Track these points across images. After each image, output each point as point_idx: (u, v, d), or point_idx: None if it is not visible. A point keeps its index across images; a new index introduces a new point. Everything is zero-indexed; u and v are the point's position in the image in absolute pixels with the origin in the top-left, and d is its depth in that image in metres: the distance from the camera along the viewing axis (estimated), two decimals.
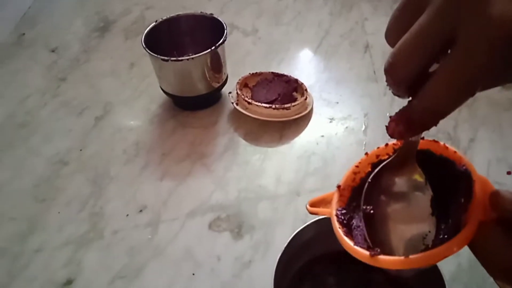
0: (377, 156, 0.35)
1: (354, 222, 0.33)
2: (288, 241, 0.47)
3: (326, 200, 0.35)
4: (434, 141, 0.31)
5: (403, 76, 0.24)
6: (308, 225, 0.49)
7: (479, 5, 0.21)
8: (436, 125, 0.25)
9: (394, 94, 0.26)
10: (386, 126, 0.27)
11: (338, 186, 0.35)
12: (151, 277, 0.55)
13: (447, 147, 0.30)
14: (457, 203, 0.28)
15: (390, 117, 0.27)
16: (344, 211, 0.34)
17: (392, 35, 0.26)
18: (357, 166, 0.35)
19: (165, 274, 0.56)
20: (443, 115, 0.24)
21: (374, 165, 0.34)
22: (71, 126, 0.76)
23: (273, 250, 0.57)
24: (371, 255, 0.28)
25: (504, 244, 0.24)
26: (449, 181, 0.30)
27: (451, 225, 0.28)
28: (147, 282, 0.55)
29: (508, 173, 0.64)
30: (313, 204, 0.36)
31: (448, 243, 0.26)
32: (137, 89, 0.83)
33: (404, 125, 0.26)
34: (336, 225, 0.32)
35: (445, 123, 0.72)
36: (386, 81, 0.26)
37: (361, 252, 0.29)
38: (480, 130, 0.71)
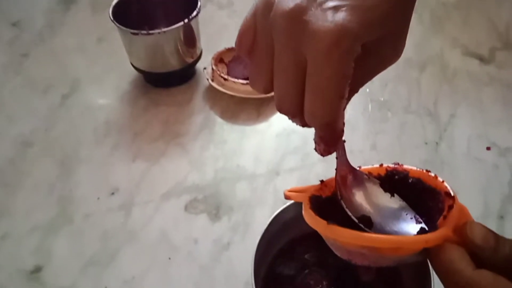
0: (369, 172, 0.35)
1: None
2: (268, 222, 0.46)
3: (306, 190, 0.34)
4: (427, 171, 0.33)
5: (291, 109, 0.27)
6: (288, 206, 0.48)
7: (307, 26, 0.24)
8: (340, 134, 0.29)
9: (301, 126, 0.29)
10: (314, 149, 0.30)
11: (321, 181, 0.34)
12: (126, 263, 0.53)
13: (436, 177, 0.32)
14: (433, 218, 0.30)
15: (314, 140, 0.30)
16: (319, 200, 0.33)
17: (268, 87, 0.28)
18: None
19: (140, 259, 0.53)
20: (332, 123, 0.27)
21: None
22: (36, 105, 0.72)
23: (253, 231, 0.55)
24: (327, 224, 0.28)
25: (464, 264, 0.25)
26: (433, 206, 0.31)
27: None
28: (121, 268, 0.52)
29: (488, 148, 0.64)
30: (292, 191, 0.35)
31: (408, 237, 0.28)
32: (106, 65, 0.78)
33: (323, 143, 0.29)
34: (307, 204, 0.32)
35: (425, 99, 0.71)
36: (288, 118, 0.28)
37: (319, 221, 0.29)
38: (461, 106, 0.70)
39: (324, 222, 0.28)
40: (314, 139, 0.30)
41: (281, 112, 0.28)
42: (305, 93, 0.26)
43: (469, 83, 0.74)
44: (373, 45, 0.26)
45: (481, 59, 0.78)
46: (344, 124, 0.29)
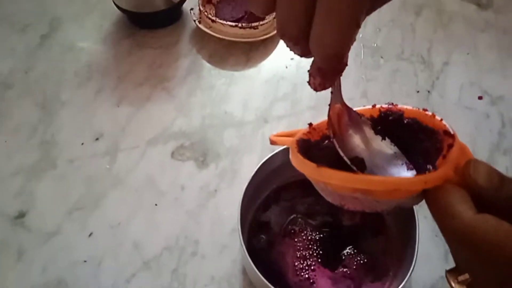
0: (361, 113, 0.32)
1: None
2: (255, 170, 0.45)
3: (293, 135, 0.32)
4: (424, 109, 0.30)
5: (295, 33, 0.23)
6: (276, 153, 0.47)
7: None
8: (343, 68, 0.25)
9: (300, 55, 0.25)
10: (308, 82, 0.26)
11: (310, 124, 0.32)
12: (111, 208, 0.52)
13: (433, 116, 0.29)
14: (431, 159, 0.28)
15: (309, 72, 0.26)
16: (307, 143, 0.31)
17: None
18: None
19: (125, 204, 0.53)
20: (340, 54, 0.23)
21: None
22: (13, 45, 0.68)
23: (240, 179, 0.54)
24: (318, 166, 0.26)
25: (464, 207, 0.23)
26: (430, 146, 0.29)
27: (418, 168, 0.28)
28: (106, 213, 0.52)
29: (480, 98, 0.63)
30: (279, 135, 0.34)
31: (406, 178, 0.26)
32: (87, 3, 0.74)
33: (320, 76, 0.26)
34: (294, 148, 0.29)
35: (419, 45, 0.69)
36: (286, 46, 0.24)
37: (308, 164, 0.27)
38: (455, 52, 0.68)
39: (314, 164, 0.26)
40: (309, 71, 0.26)
41: (282, 37, 0.24)
42: (315, 15, 0.22)
43: (464, 28, 0.72)
44: None
45: (479, 4, 0.75)
46: (348, 57, 0.26)
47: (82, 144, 0.57)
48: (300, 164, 0.28)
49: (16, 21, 0.71)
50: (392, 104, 0.32)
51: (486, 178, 0.24)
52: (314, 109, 0.62)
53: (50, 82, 0.64)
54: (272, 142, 0.34)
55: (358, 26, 0.22)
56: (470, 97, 0.63)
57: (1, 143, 0.58)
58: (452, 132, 0.27)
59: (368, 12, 0.24)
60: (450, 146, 0.27)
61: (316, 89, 0.27)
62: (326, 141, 0.32)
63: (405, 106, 0.31)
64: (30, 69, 0.65)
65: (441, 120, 0.29)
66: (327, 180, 0.26)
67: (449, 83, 0.65)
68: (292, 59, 0.68)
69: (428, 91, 0.64)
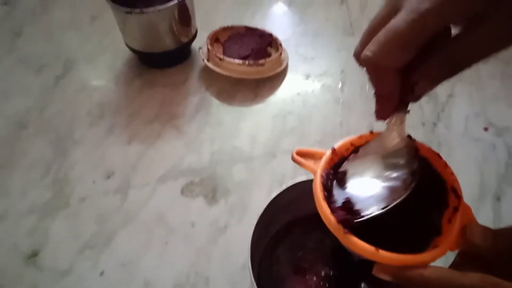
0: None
1: (335, 190, 0.32)
2: (264, 206, 0.46)
3: (314, 155, 0.33)
4: (438, 154, 0.31)
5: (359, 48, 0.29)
6: (286, 189, 0.47)
7: None
8: (389, 91, 0.29)
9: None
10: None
11: (333, 149, 0.33)
12: (122, 245, 0.53)
13: (446, 165, 0.31)
14: (436, 218, 0.30)
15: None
16: (330, 176, 0.32)
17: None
18: (359, 137, 0.34)
19: (136, 241, 0.53)
20: (379, 68, 0.28)
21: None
22: (29, 85, 0.71)
23: (249, 214, 0.55)
24: (344, 233, 0.28)
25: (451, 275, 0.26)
26: (434, 193, 0.31)
27: (422, 231, 0.30)
28: (118, 251, 0.52)
29: (485, 129, 0.64)
30: (299, 154, 0.34)
31: (417, 255, 0.27)
32: (100, 44, 0.77)
33: (376, 100, 0.32)
34: (318, 186, 0.31)
35: None
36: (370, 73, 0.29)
37: (337, 227, 0.29)
38: (458, 84, 0.69)
39: (342, 229, 0.28)
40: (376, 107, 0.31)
41: (354, 56, 0.29)
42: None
43: None
44: (481, 16, 0.25)
45: None
46: (415, 95, 0.29)
47: (94, 182, 0.59)
48: (329, 223, 0.29)
49: (32, 62, 0.74)
50: (410, 136, 0.32)
51: (481, 237, 0.27)
52: (321, 143, 0.63)
53: (63, 120, 0.66)
54: (294, 160, 0.35)
55: (402, 48, 0.27)
56: (476, 128, 0.64)
57: (16, 181, 0.59)
58: (459, 193, 0.29)
59: (472, 59, 0.28)
60: (456, 209, 0.29)
61: (379, 117, 0.32)
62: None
63: (420, 143, 0.32)
64: (44, 108, 0.67)
65: (452, 173, 0.30)
66: (351, 247, 0.28)
67: (454, 115, 0.66)
68: (298, 94, 0.69)
69: (434, 123, 0.64)
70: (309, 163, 0.33)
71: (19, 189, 0.58)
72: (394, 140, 0.31)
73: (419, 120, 0.65)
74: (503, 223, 0.54)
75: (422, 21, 0.25)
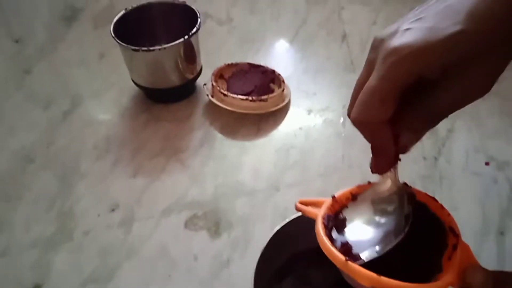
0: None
1: (334, 235, 0.34)
2: (268, 239, 0.46)
3: (316, 204, 0.35)
4: (433, 198, 0.34)
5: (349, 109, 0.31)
6: (289, 222, 0.48)
7: (382, 44, 0.28)
8: (381, 146, 0.31)
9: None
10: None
11: (333, 196, 0.35)
12: (125, 279, 0.53)
13: (442, 207, 0.33)
14: (436, 258, 0.31)
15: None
16: (330, 219, 0.34)
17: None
18: (358, 187, 0.36)
19: (139, 275, 0.53)
20: (368, 125, 0.29)
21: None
22: (37, 120, 0.72)
23: (252, 248, 0.55)
24: (346, 260, 0.29)
25: None
26: (434, 235, 0.32)
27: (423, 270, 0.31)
28: (120, 285, 0.52)
29: (487, 163, 0.65)
30: (302, 203, 0.37)
31: (419, 284, 0.28)
32: (107, 80, 0.79)
33: (372, 156, 0.32)
34: (320, 226, 0.33)
35: None
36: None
37: (337, 257, 0.30)
38: (458, 120, 0.70)
39: (343, 258, 0.30)
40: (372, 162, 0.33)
41: (347, 115, 0.31)
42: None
43: None
44: (454, 69, 0.27)
45: None
46: (401, 147, 0.31)
47: (99, 215, 0.59)
48: (329, 253, 0.31)
49: (40, 98, 0.76)
50: (406, 184, 0.34)
51: (481, 284, 0.27)
52: (323, 176, 0.63)
53: (70, 155, 0.67)
54: (298, 209, 0.37)
55: (383, 102, 0.28)
56: (477, 163, 0.65)
57: (20, 215, 0.60)
58: (457, 232, 0.31)
59: (443, 113, 0.30)
60: (455, 247, 0.30)
61: (373, 171, 0.33)
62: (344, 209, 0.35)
63: (417, 189, 0.34)
64: (51, 143, 0.69)
65: (449, 215, 0.32)
66: (353, 275, 0.29)
67: (455, 149, 0.66)
68: (300, 128, 0.70)
69: (435, 158, 0.65)
70: (311, 209, 0.36)
71: (23, 223, 0.59)
72: (388, 187, 0.34)
73: (420, 154, 0.66)
74: (508, 258, 0.54)
75: (391, 76, 0.27)
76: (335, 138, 0.68)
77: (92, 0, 0.97)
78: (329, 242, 0.31)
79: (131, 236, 0.57)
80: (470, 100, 0.28)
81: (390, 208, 0.33)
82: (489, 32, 0.25)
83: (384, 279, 0.28)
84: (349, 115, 0.31)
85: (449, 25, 0.25)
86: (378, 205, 0.34)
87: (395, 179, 0.33)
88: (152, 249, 0.55)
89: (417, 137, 0.30)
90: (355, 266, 0.29)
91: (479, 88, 0.28)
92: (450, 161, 0.65)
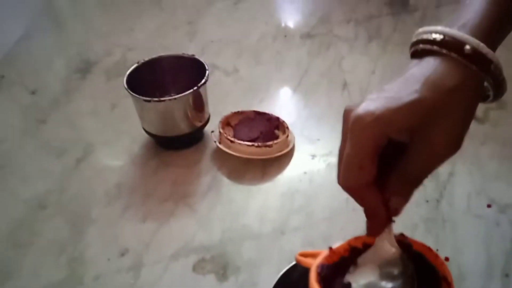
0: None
1: (335, 285, 0.35)
2: (274, 282, 0.47)
3: (316, 255, 0.37)
4: (429, 248, 0.35)
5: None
6: (294, 265, 0.49)
7: (350, 114, 0.31)
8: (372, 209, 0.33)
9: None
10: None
11: (330, 248, 0.37)
12: None
13: (437, 256, 0.34)
14: None
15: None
16: (326, 269, 0.35)
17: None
18: (355, 238, 0.37)
19: None
20: (356, 191, 0.33)
21: (366, 246, 0.37)
22: (51, 168, 0.75)
23: None
24: None
25: None
26: (430, 282, 0.34)
27: None
28: None
29: (488, 206, 0.66)
30: (303, 255, 0.38)
31: None
32: (119, 129, 0.82)
33: (366, 218, 0.35)
34: (313, 276, 0.34)
35: None
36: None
37: None
38: (458, 164, 0.72)
39: None
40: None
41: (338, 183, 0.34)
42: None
43: (466, 141, 0.76)
44: (420, 131, 0.29)
45: (477, 119, 0.81)
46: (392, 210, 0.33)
47: (109, 260, 0.60)
48: None
49: (54, 147, 0.79)
50: (403, 235, 0.36)
51: None
52: (328, 220, 0.64)
53: (81, 201, 0.69)
54: (298, 261, 0.38)
55: (362, 168, 0.31)
56: (479, 205, 0.66)
57: (30, 261, 0.61)
58: (449, 280, 0.32)
59: (417, 178, 0.32)
60: None
61: (368, 234, 0.35)
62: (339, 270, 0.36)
63: (414, 239, 0.36)
64: (64, 190, 0.71)
65: (443, 263, 0.33)
66: None
67: (456, 193, 0.68)
68: (305, 173, 0.73)
69: (437, 200, 0.67)
70: (308, 260, 0.37)
71: (32, 269, 0.60)
72: (387, 250, 0.35)
73: (422, 197, 0.67)
74: None
75: (360, 142, 0.30)
76: None
77: (105, 53, 1.02)
78: (318, 286, 0.33)
79: (140, 281, 0.58)
80: (442, 159, 0.30)
81: (395, 271, 0.34)
82: (443, 98, 0.28)
83: None
84: (339, 182, 0.34)
85: (408, 93, 0.28)
86: (383, 269, 0.35)
87: (392, 240, 0.35)
88: None
89: (405, 199, 0.33)
90: None
91: (447, 147, 0.30)
92: (452, 204, 0.66)
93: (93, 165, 0.75)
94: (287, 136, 0.75)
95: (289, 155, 0.75)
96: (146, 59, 0.77)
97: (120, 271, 0.59)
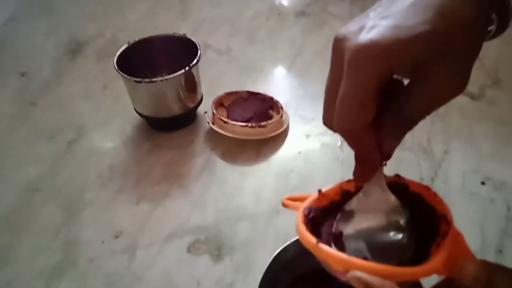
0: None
1: (324, 229, 0.33)
2: (269, 262, 0.47)
3: (304, 199, 0.35)
4: (427, 187, 0.33)
5: (326, 121, 0.31)
6: (289, 244, 0.49)
7: (346, 44, 0.27)
8: (368, 153, 0.30)
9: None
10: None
11: (319, 190, 0.35)
12: None
13: (435, 195, 0.32)
14: (427, 237, 0.30)
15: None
16: (314, 212, 0.33)
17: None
18: (347, 182, 0.35)
19: None
20: (354, 133, 0.29)
21: (359, 190, 0.34)
22: (43, 152, 0.74)
23: (255, 271, 0.56)
24: (317, 242, 0.28)
25: None
26: (429, 223, 0.31)
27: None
28: None
29: (482, 183, 0.66)
30: (290, 199, 0.36)
31: (393, 267, 0.26)
32: (111, 111, 0.81)
33: (356, 164, 0.32)
34: (300, 217, 0.32)
35: (418, 136, 0.73)
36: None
37: (309, 239, 0.29)
38: (453, 142, 0.72)
39: (314, 240, 0.29)
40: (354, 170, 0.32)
41: (324, 124, 0.31)
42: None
43: (460, 119, 0.76)
44: (425, 68, 0.26)
45: (472, 96, 0.81)
46: (383, 154, 0.31)
47: (103, 242, 0.60)
48: (302, 237, 0.30)
49: (45, 130, 0.78)
50: (398, 175, 0.34)
51: (472, 280, 0.25)
52: None
53: (74, 184, 0.68)
54: (284, 205, 0.36)
55: (363, 107, 0.27)
56: (473, 183, 0.66)
57: (26, 246, 0.61)
58: (448, 219, 0.29)
59: (420, 114, 0.28)
60: (445, 233, 0.28)
61: (355, 180, 0.32)
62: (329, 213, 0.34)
63: (410, 179, 0.34)
64: (57, 173, 0.70)
65: (442, 202, 0.31)
66: (324, 258, 0.28)
67: (451, 171, 0.68)
68: (299, 152, 0.72)
69: (432, 179, 0.67)
70: (294, 203, 0.35)
71: (28, 253, 0.60)
72: (383, 197, 0.33)
73: (417, 175, 0.67)
74: None
75: (364, 77, 0.26)
76: (333, 161, 0.70)
77: (96, 34, 1.00)
78: (305, 227, 0.30)
79: (135, 263, 0.57)
80: (446, 99, 0.27)
81: (400, 220, 0.32)
82: (458, 32, 0.25)
83: (356, 261, 0.26)
84: (325, 123, 0.30)
85: (418, 23, 0.24)
86: (384, 218, 0.32)
87: (382, 185, 0.32)
88: (156, 275, 0.56)
89: (398, 141, 0.30)
90: (326, 248, 0.28)
91: (454, 86, 0.26)
92: (447, 182, 0.66)
93: (85, 147, 0.75)
94: (281, 116, 0.75)
95: (283, 135, 0.75)
96: (137, 39, 0.75)
97: (114, 253, 0.59)
